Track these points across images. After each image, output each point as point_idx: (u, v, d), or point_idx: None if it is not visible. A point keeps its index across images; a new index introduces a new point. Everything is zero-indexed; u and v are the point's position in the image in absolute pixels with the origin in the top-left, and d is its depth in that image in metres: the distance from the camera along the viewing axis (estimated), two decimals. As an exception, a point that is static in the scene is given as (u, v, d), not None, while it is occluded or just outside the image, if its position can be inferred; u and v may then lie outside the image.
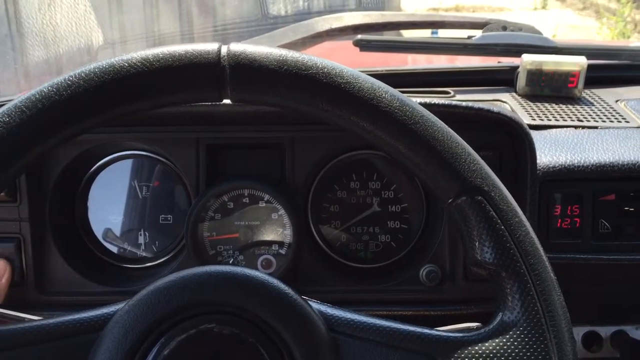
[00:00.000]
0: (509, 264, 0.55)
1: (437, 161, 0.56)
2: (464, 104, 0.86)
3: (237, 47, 0.55)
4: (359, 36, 1.15)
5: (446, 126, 0.58)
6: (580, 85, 1.12)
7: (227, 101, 0.57)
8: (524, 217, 0.56)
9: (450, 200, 0.57)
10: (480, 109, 0.85)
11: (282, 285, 0.57)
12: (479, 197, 0.55)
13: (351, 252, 0.98)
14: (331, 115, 0.56)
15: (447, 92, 1.13)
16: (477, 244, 0.56)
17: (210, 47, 0.55)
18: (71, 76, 0.53)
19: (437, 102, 0.85)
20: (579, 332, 1.18)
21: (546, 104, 1.10)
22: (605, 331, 1.17)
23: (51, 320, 0.57)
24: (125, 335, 0.54)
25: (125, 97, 0.54)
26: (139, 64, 0.53)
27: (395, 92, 0.57)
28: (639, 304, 1.09)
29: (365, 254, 0.98)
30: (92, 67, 0.54)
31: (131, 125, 0.91)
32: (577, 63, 1.12)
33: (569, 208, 0.91)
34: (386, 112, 0.56)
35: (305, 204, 0.96)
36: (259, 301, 0.55)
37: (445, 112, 0.86)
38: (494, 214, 0.55)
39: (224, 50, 0.55)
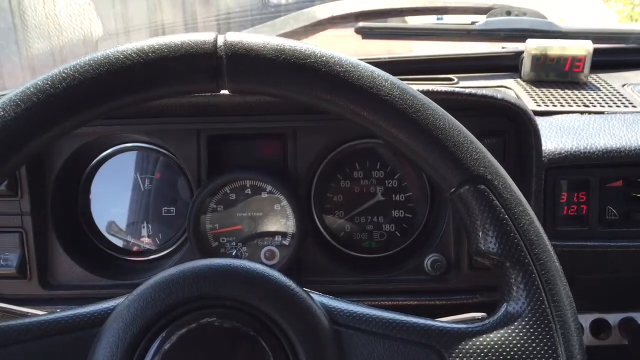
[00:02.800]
0: (513, 253, 0.54)
1: (438, 150, 0.55)
2: (467, 90, 0.84)
3: (234, 36, 0.54)
4: (361, 23, 1.14)
5: (448, 114, 0.57)
6: (586, 70, 1.10)
7: (225, 92, 0.56)
8: (528, 206, 0.55)
9: (452, 190, 0.56)
10: (483, 95, 0.83)
11: (283, 278, 0.56)
12: (482, 186, 0.54)
13: (355, 242, 0.97)
14: (330, 105, 0.55)
15: (451, 79, 1.12)
16: (480, 233, 0.55)
17: (207, 37, 0.54)
18: (66, 69, 0.52)
19: (439, 90, 0.84)
20: (587, 319, 1.17)
21: (551, 90, 1.09)
22: (613, 318, 1.16)
23: (51, 316, 0.57)
24: (126, 330, 0.53)
25: (120, 90, 0.53)
26: (134, 55, 0.53)
27: (395, 80, 0.56)
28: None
29: (369, 243, 0.97)
30: (87, 59, 0.53)
31: (132, 117, 0.90)
32: (583, 47, 1.10)
33: (576, 195, 0.90)
34: (386, 101, 0.55)
35: (309, 194, 0.95)
36: (260, 294, 0.55)
37: (449, 99, 0.85)
38: (497, 202, 0.54)
39: (221, 40, 0.54)
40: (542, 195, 0.87)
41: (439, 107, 0.57)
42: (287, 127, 0.91)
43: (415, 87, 0.87)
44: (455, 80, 1.12)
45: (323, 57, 0.54)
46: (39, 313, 0.62)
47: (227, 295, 0.55)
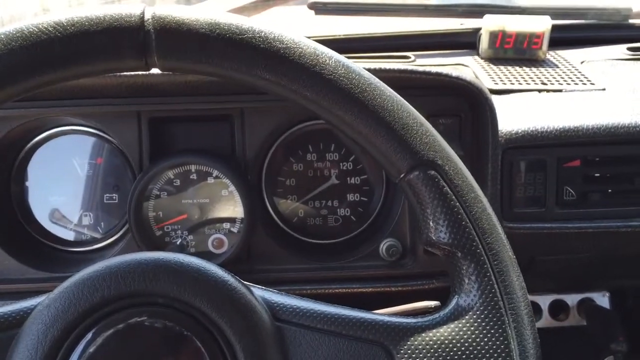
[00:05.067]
0: (464, 243, 0.50)
1: (386, 133, 0.51)
2: (421, 68, 0.81)
3: (164, 9, 0.49)
4: (314, -1, 1.09)
5: (397, 95, 0.53)
6: (545, 46, 1.08)
7: (155, 70, 0.51)
8: (480, 193, 0.52)
9: (401, 176, 0.52)
10: (438, 74, 0.80)
11: (220, 272, 0.52)
12: (432, 172, 0.51)
13: (309, 227, 0.93)
14: (270, 85, 0.51)
15: (408, 57, 1.08)
16: (431, 222, 0.51)
17: (133, 9, 0.49)
18: None
19: (393, 68, 0.80)
20: (546, 300, 1.17)
21: (509, 67, 1.06)
22: (571, 299, 1.16)
23: None
24: (45, 333, 0.49)
25: (35, 67, 0.47)
26: (50, 28, 0.47)
27: (340, 57, 0.52)
28: (604, 272, 1.07)
29: (324, 229, 0.93)
30: None
31: (66, 98, 0.84)
32: (542, 24, 1.08)
33: (533, 175, 0.88)
34: (330, 80, 0.50)
35: (259, 179, 0.91)
36: (195, 290, 0.50)
37: (402, 78, 0.81)
38: (448, 189, 0.51)
39: (149, 13, 0.48)
40: (498, 177, 0.85)
41: (387, 87, 0.53)
42: (234, 107, 0.86)
43: (369, 65, 0.83)
44: (412, 58, 1.08)
45: (262, 32, 0.50)
46: None
47: (158, 292, 0.50)
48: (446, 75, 0.80)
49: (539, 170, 0.87)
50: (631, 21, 1.19)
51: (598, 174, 0.89)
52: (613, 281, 1.16)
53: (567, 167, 0.88)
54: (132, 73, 0.78)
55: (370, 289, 0.87)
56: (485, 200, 0.52)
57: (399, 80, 0.83)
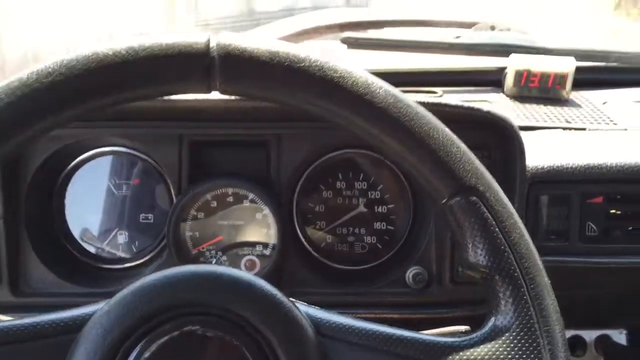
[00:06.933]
0: (503, 267, 0.53)
1: (431, 160, 0.54)
2: (454, 102, 0.84)
3: (227, 37, 0.53)
4: (346, 33, 1.14)
5: (441, 124, 0.56)
6: (568, 86, 1.12)
7: (216, 93, 0.55)
8: (518, 219, 0.55)
9: (444, 201, 0.55)
10: (469, 108, 0.83)
11: (269, 287, 0.55)
12: (474, 198, 0.54)
13: (336, 253, 0.96)
14: (323, 110, 0.55)
15: (435, 92, 1.12)
16: (470, 245, 0.54)
17: (200, 37, 0.53)
18: (53, 63, 0.50)
19: (426, 101, 0.83)
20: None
21: (534, 105, 1.09)
22: (589, 335, 1.17)
23: (27, 320, 0.55)
24: (104, 337, 0.51)
25: (108, 87, 0.51)
26: (124, 52, 0.51)
27: (390, 87, 0.55)
28: (623, 309, 1.09)
29: (350, 255, 0.96)
30: (75, 54, 0.51)
31: (112, 120, 0.88)
32: (566, 65, 1.11)
33: (557, 210, 0.90)
34: (380, 108, 0.54)
35: (291, 204, 0.94)
36: (245, 302, 0.53)
37: (435, 111, 0.84)
38: (489, 215, 0.54)
39: (214, 40, 0.53)
40: (524, 210, 0.87)
41: (433, 116, 0.56)
42: (271, 134, 0.90)
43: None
44: (440, 93, 1.12)
45: (317, 61, 0.53)
46: (9, 319, 0.59)
47: (211, 303, 0.53)
48: (478, 110, 0.83)
49: (563, 205, 0.90)
50: (652, 65, 1.22)
51: (620, 211, 0.92)
52: (630, 319, 1.17)
53: (590, 203, 0.91)
54: (176, 97, 0.82)
55: (396, 315, 0.89)
56: (523, 227, 0.54)
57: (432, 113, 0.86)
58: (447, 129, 0.56)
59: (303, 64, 0.52)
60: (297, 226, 0.94)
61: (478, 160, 0.55)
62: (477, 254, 0.54)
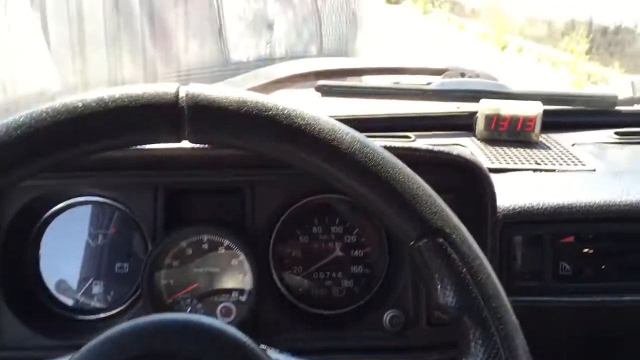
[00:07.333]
0: (471, 308, 0.54)
1: (397, 203, 0.55)
2: (424, 146, 0.86)
3: (196, 88, 0.55)
4: (320, 81, 1.16)
5: (407, 168, 0.58)
6: (537, 129, 1.14)
7: (185, 143, 0.56)
8: (485, 260, 0.56)
9: (412, 243, 0.56)
10: (439, 152, 0.85)
11: (239, 334, 0.55)
12: (440, 239, 0.55)
13: (314, 298, 0.96)
14: (291, 158, 0.56)
15: (408, 137, 1.14)
16: (439, 287, 0.55)
17: (169, 88, 0.54)
18: (22, 116, 0.51)
19: (397, 145, 0.85)
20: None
21: (504, 148, 1.12)
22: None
23: None
24: None
25: (78, 138, 0.52)
26: (93, 104, 0.52)
27: (356, 133, 0.57)
28: (597, 348, 1.09)
29: (328, 299, 0.96)
30: (45, 107, 0.52)
31: (86, 169, 0.89)
32: (534, 108, 1.15)
33: (530, 250, 0.92)
34: (347, 154, 0.55)
35: (267, 250, 0.94)
36: (215, 352, 0.53)
37: (406, 155, 0.85)
38: (455, 256, 0.55)
39: (183, 91, 0.54)
40: (497, 251, 0.89)
41: (398, 161, 0.58)
42: (245, 180, 0.91)
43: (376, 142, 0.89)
44: (413, 138, 1.14)
45: (285, 110, 0.55)
46: None
47: (180, 353, 0.53)
48: (447, 154, 0.85)
49: (536, 245, 0.91)
50: (617, 108, 1.26)
51: (592, 250, 0.93)
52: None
53: (562, 243, 0.93)
54: (151, 146, 0.83)
55: (374, 360, 0.89)
56: (489, 267, 0.55)
57: (402, 157, 0.88)
58: (412, 173, 0.57)
59: (270, 112, 0.54)
60: (273, 272, 0.94)
61: (444, 203, 0.57)
62: (445, 296, 0.55)
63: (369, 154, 0.56)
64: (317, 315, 0.95)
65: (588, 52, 6.50)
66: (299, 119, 0.55)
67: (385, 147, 0.85)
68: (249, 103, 0.54)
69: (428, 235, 0.55)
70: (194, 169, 0.90)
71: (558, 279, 0.92)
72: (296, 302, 0.95)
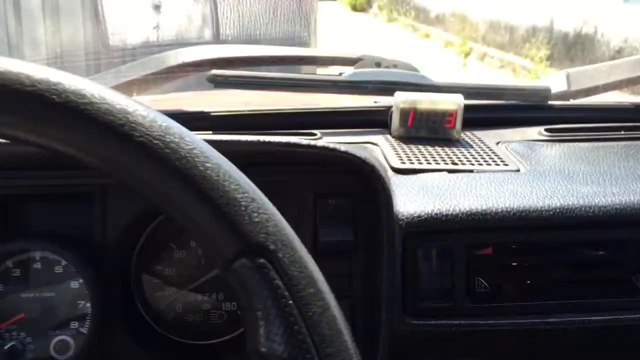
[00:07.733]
0: (297, 355, 0.38)
1: (208, 210, 0.40)
2: (304, 142, 0.71)
3: None
4: (214, 71, 1.00)
5: (227, 162, 0.42)
6: (458, 125, 1.01)
7: None
8: (324, 287, 0.40)
9: (225, 265, 0.40)
10: (323, 148, 0.70)
11: None
12: (262, 260, 0.39)
13: (188, 325, 0.80)
14: (62, 145, 0.40)
15: (313, 134, 1.00)
16: (262, 327, 0.39)
17: None
18: None
19: (252, 140, 0.69)
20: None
21: (421, 147, 0.98)
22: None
23: None
24: None
25: None
26: None
27: (160, 116, 0.41)
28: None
29: (204, 327, 0.80)
30: None
31: None
32: (454, 102, 1.01)
33: (439, 265, 0.77)
34: (142, 143, 0.40)
35: (126, 268, 0.78)
36: None
37: (284, 153, 0.71)
38: (280, 283, 0.39)
39: None
40: (397, 266, 0.74)
41: (216, 153, 0.42)
42: (95, 184, 0.74)
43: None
44: (319, 135, 0.99)
45: (58, 84, 0.39)
46: None
47: None
48: (332, 150, 0.70)
49: (445, 258, 0.77)
50: (551, 102, 1.14)
51: (513, 264, 0.79)
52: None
53: (478, 256, 0.79)
54: None
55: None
56: (330, 296, 0.40)
57: (282, 156, 0.73)
58: (233, 169, 0.41)
59: (36, 87, 0.38)
60: (135, 295, 0.78)
61: (274, 210, 0.41)
62: (269, 339, 0.39)
63: (172, 144, 0.40)
64: (188, 347, 0.79)
65: (549, 58, 6.49)
66: (77, 96, 0.39)
67: (251, 142, 0.70)
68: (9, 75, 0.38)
69: (246, 253, 0.39)
70: (34, 170, 0.74)
71: (473, 298, 0.77)
72: (164, 332, 0.79)
